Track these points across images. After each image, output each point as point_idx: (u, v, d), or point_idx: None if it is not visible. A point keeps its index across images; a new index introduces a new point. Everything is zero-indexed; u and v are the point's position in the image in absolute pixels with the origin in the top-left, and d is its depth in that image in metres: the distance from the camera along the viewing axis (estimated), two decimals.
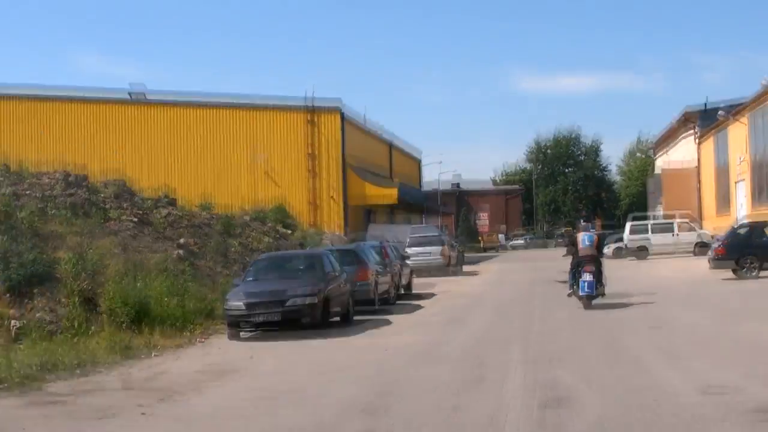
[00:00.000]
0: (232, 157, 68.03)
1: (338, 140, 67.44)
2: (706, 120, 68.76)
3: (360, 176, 68.36)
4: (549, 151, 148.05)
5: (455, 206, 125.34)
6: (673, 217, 63.99)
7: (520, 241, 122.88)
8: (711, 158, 66.17)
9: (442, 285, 41.14)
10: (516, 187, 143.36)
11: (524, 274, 49.33)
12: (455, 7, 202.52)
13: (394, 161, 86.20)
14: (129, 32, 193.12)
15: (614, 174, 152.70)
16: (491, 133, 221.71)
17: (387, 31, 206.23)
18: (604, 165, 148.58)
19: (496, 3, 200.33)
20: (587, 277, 24.66)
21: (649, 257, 59.18)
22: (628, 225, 61.95)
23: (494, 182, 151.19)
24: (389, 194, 68.54)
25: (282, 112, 68.63)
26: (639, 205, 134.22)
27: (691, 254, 58.47)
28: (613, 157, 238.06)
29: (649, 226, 60.80)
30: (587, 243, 25.53)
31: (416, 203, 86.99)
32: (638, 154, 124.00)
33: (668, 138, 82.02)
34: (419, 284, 40.60)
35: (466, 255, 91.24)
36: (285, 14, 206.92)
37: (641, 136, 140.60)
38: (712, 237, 58.58)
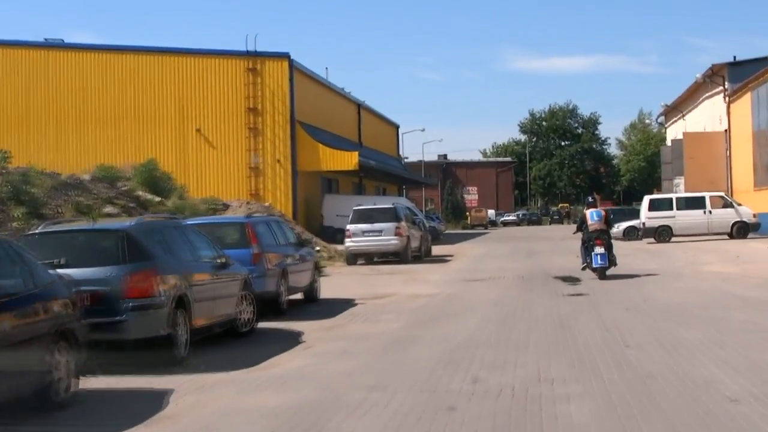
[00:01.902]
0: (157, 111, 53.12)
1: (285, 92, 53.29)
2: (737, 75, 53.56)
3: (313, 136, 53.39)
4: (544, 122, 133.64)
5: (441, 180, 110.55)
6: (696, 191, 48.93)
7: (512, 218, 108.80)
8: (746, 120, 50.91)
9: (377, 283, 26.23)
10: (508, 159, 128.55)
11: (514, 261, 34.62)
12: None
13: (365, 126, 71.10)
14: None
15: (614, 148, 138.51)
16: (484, 113, 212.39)
17: (381, 10, 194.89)
18: (603, 138, 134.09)
19: None
20: (599, 249, 24.26)
21: (672, 239, 44.13)
22: (646, 199, 46.84)
23: (484, 155, 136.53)
24: (348, 159, 53.58)
25: (217, 58, 54.14)
26: (641, 181, 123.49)
27: (726, 236, 44.21)
28: (611, 137, 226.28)
29: (674, 201, 45.66)
30: (596, 218, 25.14)
31: (391, 174, 72.02)
32: (647, 120, 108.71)
33: (685, 101, 66.64)
34: (341, 285, 25.93)
35: (448, 233, 77.21)
36: None
37: (644, 110, 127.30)
38: (755, 216, 43.91)
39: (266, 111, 53.12)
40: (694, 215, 44.45)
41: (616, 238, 50.04)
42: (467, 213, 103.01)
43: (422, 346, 13.73)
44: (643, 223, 45.36)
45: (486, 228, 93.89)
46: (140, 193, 30.41)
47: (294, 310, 19.39)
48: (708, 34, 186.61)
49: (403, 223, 35.22)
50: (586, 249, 24.93)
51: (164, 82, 53.58)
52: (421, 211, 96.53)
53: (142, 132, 53.21)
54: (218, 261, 14.81)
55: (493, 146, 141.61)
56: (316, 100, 58.53)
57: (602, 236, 24.52)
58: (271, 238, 18.92)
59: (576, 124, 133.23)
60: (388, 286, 25.04)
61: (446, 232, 77.72)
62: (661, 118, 78.76)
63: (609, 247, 24.58)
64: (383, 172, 68.22)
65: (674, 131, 69.33)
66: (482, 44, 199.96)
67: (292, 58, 53.48)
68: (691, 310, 16.84)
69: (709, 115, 59.56)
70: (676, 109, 68.90)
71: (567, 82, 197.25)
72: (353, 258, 35.15)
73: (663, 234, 44.55)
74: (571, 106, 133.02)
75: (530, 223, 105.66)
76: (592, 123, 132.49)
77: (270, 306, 18.15)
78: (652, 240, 44.90)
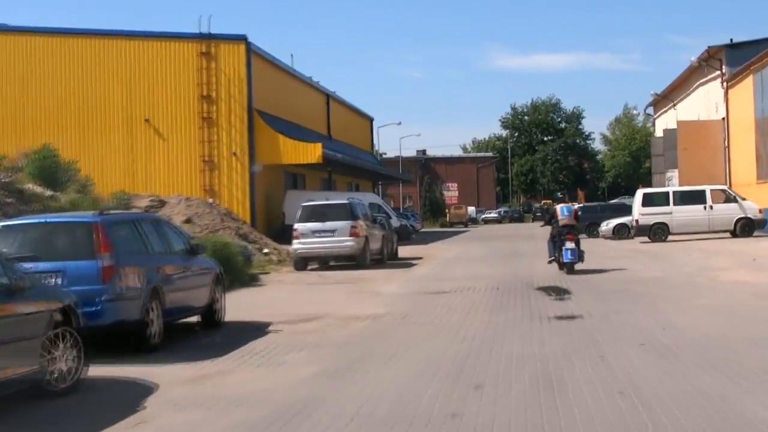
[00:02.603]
0: (102, 99, 47.52)
1: (242, 78, 47.74)
2: (735, 58, 48.08)
3: (273, 127, 47.81)
4: (526, 117, 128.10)
5: (420, 176, 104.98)
6: (691, 185, 43.57)
7: (493, 215, 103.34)
8: (747, 106, 45.40)
9: (315, 297, 20.70)
10: (489, 154, 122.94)
11: (491, 265, 29.08)
12: None
13: (335, 118, 65.40)
14: None
15: (598, 143, 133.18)
16: (466, 111, 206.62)
17: (363, 8, 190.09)
18: (586, 133, 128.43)
19: None
20: (570, 245, 23.76)
21: (669, 238, 38.71)
22: (639, 193, 41.18)
23: (464, 150, 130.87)
24: (311, 151, 47.90)
25: (167, 41, 48.58)
26: (627, 176, 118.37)
27: (728, 234, 38.84)
28: (595, 133, 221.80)
29: (671, 195, 40.00)
30: (566, 213, 24.63)
31: (364, 169, 66.42)
32: (635, 111, 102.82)
33: (677, 89, 61.09)
34: (268, 300, 20.54)
35: (424, 231, 71.85)
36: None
37: (629, 104, 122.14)
38: (760, 211, 38.46)
39: (221, 99, 47.67)
40: (693, 211, 39.05)
41: (605, 237, 45.09)
42: (446, 210, 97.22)
43: (318, 427, 8.07)
44: (636, 221, 39.80)
45: (466, 226, 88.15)
46: (29, 185, 24.66)
47: (175, 341, 13.74)
48: (689, 31, 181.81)
49: (360, 222, 29.55)
50: (555, 243, 24.58)
51: (109, 67, 48.03)
52: (398, 208, 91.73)
53: (86, 122, 47.83)
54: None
55: (473, 142, 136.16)
56: (279, 89, 52.91)
57: (572, 231, 24.25)
58: (139, 244, 13.23)
59: (559, 119, 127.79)
60: (326, 301, 19.41)
61: (422, 230, 72.44)
62: (650, 109, 73.09)
63: (578, 242, 24.26)
64: (354, 167, 62.65)
65: (664, 122, 63.83)
66: (465, 42, 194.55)
67: (249, 41, 47.77)
68: (738, 347, 11.28)
69: (703, 102, 54.07)
70: (666, 98, 63.38)
71: (550, 79, 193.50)
72: (302, 262, 29.55)
73: (658, 232, 39.15)
74: (554, 101, 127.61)
75: (512, 220, 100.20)
76: (575, 117, 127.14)
77: (133, 340, 12.53)
78: (645, 239, 39.47)
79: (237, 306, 17.80)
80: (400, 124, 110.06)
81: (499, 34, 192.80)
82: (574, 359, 10.81)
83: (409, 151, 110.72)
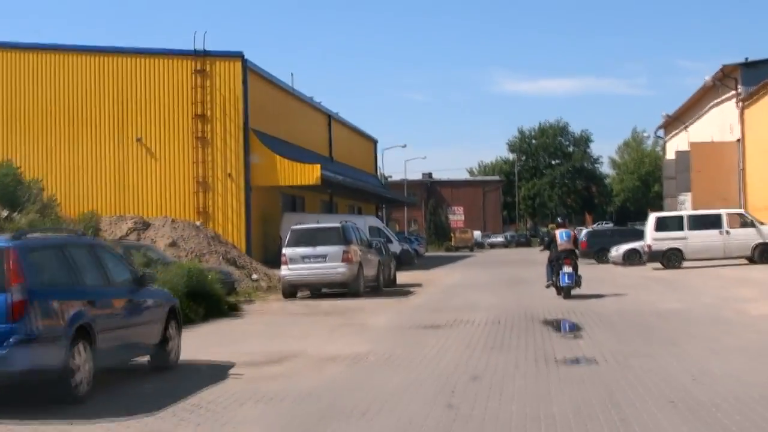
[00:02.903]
0: (93, 118, 45.45)
1: (239, 97, 45.30)
2: (751, 77, 45.81)
3: (270, 147, 45.56)
4: (534, 140, 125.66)
5: (425, 200, 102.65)
6: (704, 208, 41.24)
7: (500, 239, 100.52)
8: (764, 127, 43.05)
9: (293, 332, 18.36)
10: (496, 178, 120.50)
11: (492, 293, 26.91)
12: (439, 9, 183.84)
13: (337, 139, 63.18)
14: None
15: (606, 168, 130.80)
16: (472, 135, 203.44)
17: (368, 31, 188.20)
18: (595, 157, 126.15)
19: (476, 6, 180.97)
20: (567, 269, 23.64)
21: (684, 264, 36.38)
22: (652, 218, 38.85)
23: (471, 174, 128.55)
24: (309, 173, 45.58)
25: (161, 58, 46.36)
26: (635, 200, 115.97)
27: (745, 261, 36.42)
28: (603, 157, 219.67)
29: (685, 219, 37.63)
30: (565, 238, 24.59)
31: (367, 192, 64.12)
32: (645, 134, 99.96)
33: (689, 110, 58.79)
34: (239, 334, 18.48)
35: (428, 256, 69.66)
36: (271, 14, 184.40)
37: (637, 128, 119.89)
38: None
39: (216, 118, 45.33)
40: (708, 236, 36.68)
41: (615, 263, 42.80)
42: (451, 234, 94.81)
43: None
44: (649, 246, 37.35)
45: (471, 250, 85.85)
46: None
47: (113, 388, 11.45)
48: (696, 55, 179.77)
49: (354, 247, 27.24)
50: (553, 268, 24.51)
51: (101, 85, 45.80)
52: (402, 232, 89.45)
53: (76, 140, 45.55)
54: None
55: (479, 165, 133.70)
56: (277, 108, 50.75)
57: (570, 256, 24.21)
58: (64, 274, 10.96)
59: (567, 142, 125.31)
60: (305, 336, 17.10)
61: (426, 254, 70.14)
62: (661, 132, 70.70)
63: (575, 267, 24.19)
64: (356, 189, 60.31)
65: (675, 144, 61.44)
66: (471, 66, 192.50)
67: (246, 58, 45.60)
68: None
69: (717, 124, 51.75)
70: (678, 120, 61.00)
71: (557, 104, 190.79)
72: (291, 290, 27.26)
73: (672, 258, 36.75)
74: (561, 124, 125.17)
75: (519, 244, 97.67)
76: (583, 141, 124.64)
77: (53, 390, 10.26)
78: (658, 265, 37.06)
79: (203, 342, 15.55)
80: (405, 146, 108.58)
81: (505, 59, 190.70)
82: (589, 425, 8.46)
83: (415, 174, 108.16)
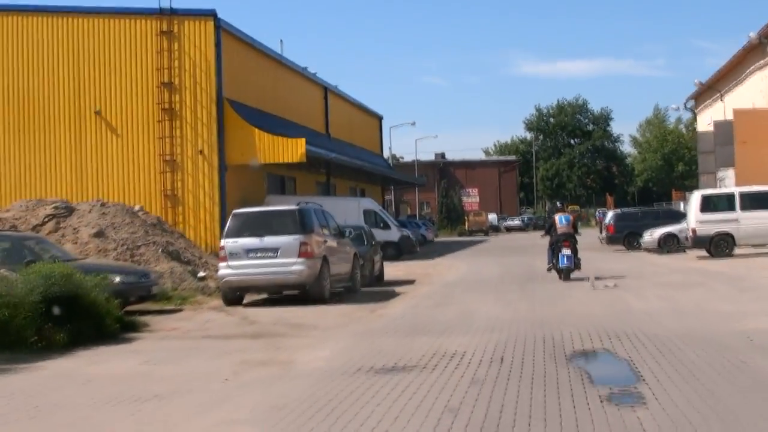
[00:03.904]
0: (45, 88, 38.62)
1: (211, 62, 38.26)
2: None
3: (248, 120, 38.72)
4: (552, 119, 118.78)
5: (438, 181, 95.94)
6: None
7: (516, 222, 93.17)
8: None
9: (137, 389, 11.42)
10: (512, 158, 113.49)
11: (501, 298, 19.96)
12: None
13: (334, 114, 56.11)
14: None
15: (627, 146, 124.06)
16: (488, 117, 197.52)
17: (386, 15, 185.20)
18: (615, 136, 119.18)
19: None
20: (566, 251, 24.19)
21: (735, 253, 29.52)
22: (697, 196, 31.75)
23: (486, 154, 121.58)
24: (292, 148, 38.64)
25: (121, 18, 39.44)
26: (658, 180, 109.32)
27: None
28: (624, 135, 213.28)
29: (737, 197, 30.60)
30: (564, 222, 24.98)
31: (371, 172, 57.14)
32: (673, 106, 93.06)
33: (725, 77, 51.39)
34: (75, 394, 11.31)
35: (439, 241, 63.06)
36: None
37: (659, 105, 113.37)
38: None
39: (185, 87, 38.48)
40: (764, 218, 29.65)
41: (649, 250, 36.11)
42: (465, 217, 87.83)
43: None
44: (693, 230, 30.40)
45: (486, 234, 79.14)
46: None
47: None
48: (713, 36, 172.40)
49: (314, 237, 20.20)
50: (554, 251, 24.72)
51: (52, 50, 39.07)
52: (414, 215, 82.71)
53: (24, 116, 38.97)
54: None
55: (496, 145, 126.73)
56: (259, 76, 43.81)
57: (570, 239, 24.51)
58: None
59: (586, 120, 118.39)
60: (168, 395, 9.99)
61: (437, 240, 63.48)
62: (691, 103, 63.17)
63: (575, 251, 24.48)
64: (356, 169, 53.36)
65: (709, 117, 54.03)
66: (488, 49, 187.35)
67: (220, 17, 38.72)
68: None
69: (760, 89, 44.37)
70: (711, 89, 53.56)
71: (574, 85, 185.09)
72: (232, 294, 20.34)
73: (721, 245, 29.87)
74: (580, 101, 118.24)
75: (537, 228, 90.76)
76: (603, 119, 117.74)
77: None
78: (702, 253, 30.21)
79: None
80: (414, 124, 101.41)
81: (523, 41, 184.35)
82: None
83: (428, 155, 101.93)
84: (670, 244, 35.15)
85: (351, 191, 59.40)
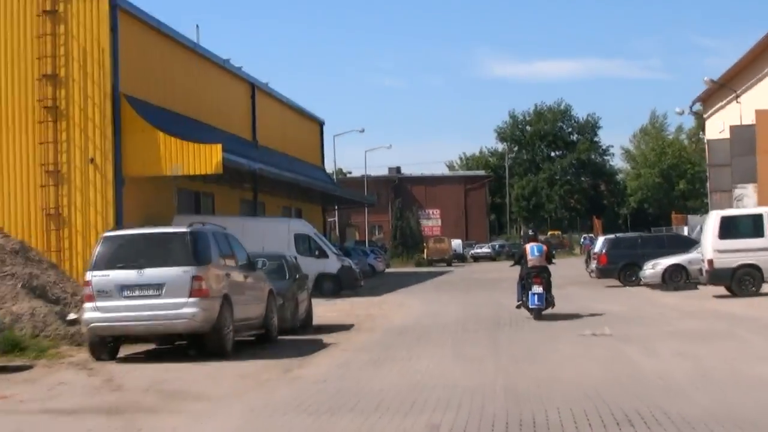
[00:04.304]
0: None
1: (105, 50, 36.66)
2: None
3: (151, 121, 37.12)
4: (529, 127, 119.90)
5: (392, 200, 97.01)
6: None
7: (485, 250, 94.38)
8: None
9: None
10: (481, 173, 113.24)
11: (463, 357, 17.67)
12: None
13: (262, 117, 54.31)
14: None
15: (618, 160, 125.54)
16: (454, 126, 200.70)
17: (328, 1, 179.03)
18: (604, 147, 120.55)
19: None
20: (537, 289, 24.59)
21: (763, 290, 28.51)
22: (715, 217, 29.89)
23: (451, 168, 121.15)
24: (206, 156, 36.80)
25: None
26: (655, 201, 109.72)
27: None
28: (614, 147, 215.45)
29: (765, 219, 28.76)
30: (536, 253, 25.34)
31: (307, 188, 55.09)
32: (677, 110, 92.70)
33: (740, 74, 50.04)
34: None
35: (390, 272, 62.04)
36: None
37: (656, 111, 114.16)
38: None
39: (73, 80, 36.92)
40: None
41: (650, 285, 35.10)
42: (424, 244, 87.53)
43: None
44: (710, 261, 28.69)
45: (449, 264, 79.63)
46: None
47: None
48: (716, 32, 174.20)
49: (212, 269, 17.85)
50: (523, 286, 25.12)
51: None
52: (363, 241, 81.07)
53: None
54: None
55: (461, 158, 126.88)
56: (166, 69, 42.09)
57: (541, 274, 24.79)
58: None
59: (569, 129, 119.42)
60: None
61: (388, 271, 62.30)
62: (697, 106, 61.72)
63: (548, 287, 24.80)
64: (290, 184, 51.33)
65: (721, 122, 52.47)
66: (452, 45, 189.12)
67: None
68: None
69: None
70: (725, 88, 52.03)
71: (555, 89, 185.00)
72: (100, 344, 18.00)
73: (746, 281, 28.52)
74: (562, 106, 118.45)
75: (510, 256, 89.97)
76: (589, 128, 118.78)
77: None
78: (720, 290, 28.55)
79: None
80: (363, 131, 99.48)
81: (493, 37, 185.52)
82: None
83: (380, 169, 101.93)
84: (677, 279, 34.33)
85: (284, 211, 57.64)
